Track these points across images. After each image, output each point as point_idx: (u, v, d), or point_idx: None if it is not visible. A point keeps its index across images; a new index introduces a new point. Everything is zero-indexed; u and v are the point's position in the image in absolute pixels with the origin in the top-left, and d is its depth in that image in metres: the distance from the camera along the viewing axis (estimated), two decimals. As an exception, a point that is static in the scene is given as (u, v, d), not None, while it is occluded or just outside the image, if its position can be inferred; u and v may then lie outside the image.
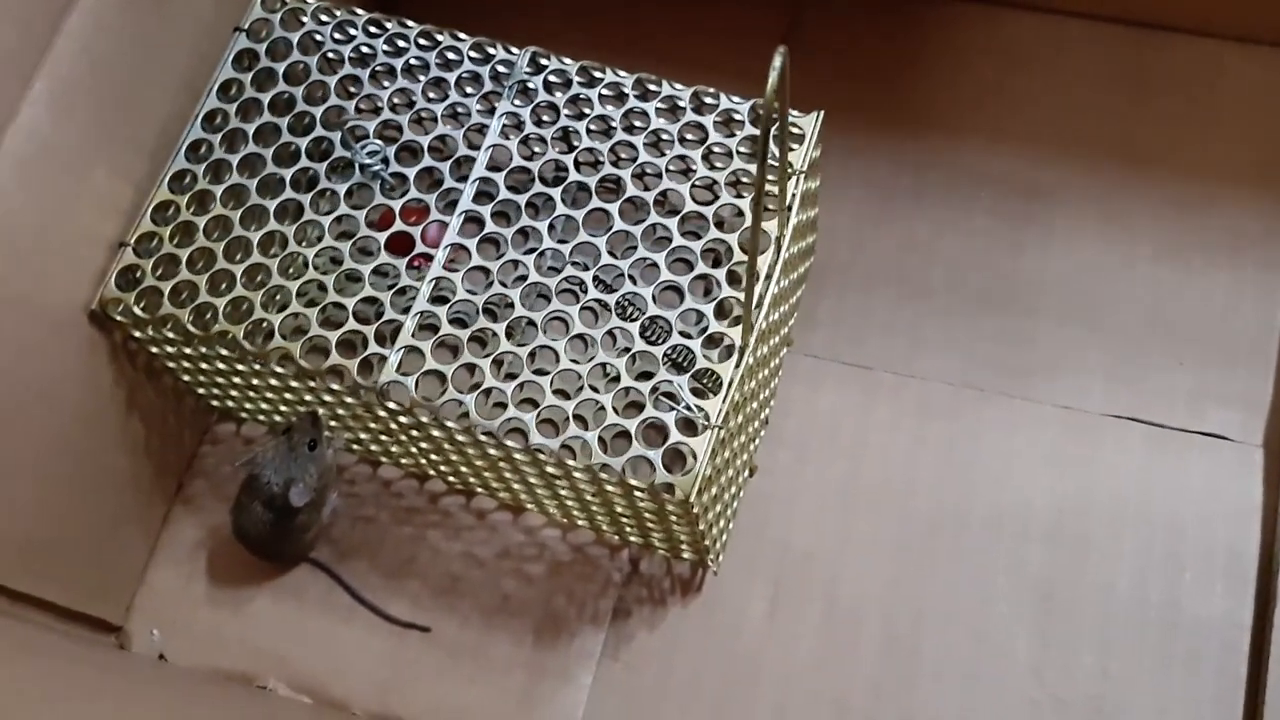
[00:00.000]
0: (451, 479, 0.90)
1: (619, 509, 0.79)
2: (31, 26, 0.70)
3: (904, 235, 0.98)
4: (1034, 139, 0.99)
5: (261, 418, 0.92)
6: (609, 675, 0.87)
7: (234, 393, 0.87)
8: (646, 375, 0.72)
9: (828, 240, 0.96)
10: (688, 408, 0.71)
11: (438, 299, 0.76)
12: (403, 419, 0.76)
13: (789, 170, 0.75)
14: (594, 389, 0.72)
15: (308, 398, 0.81)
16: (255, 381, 0.82)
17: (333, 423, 0.85)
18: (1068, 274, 0.96)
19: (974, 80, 1.02)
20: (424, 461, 0.87)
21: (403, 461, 0.90)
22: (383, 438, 0.84)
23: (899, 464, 0.91)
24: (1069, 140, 0.99)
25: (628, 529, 0.84)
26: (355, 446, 0.90)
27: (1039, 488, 0.89)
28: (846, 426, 0.93)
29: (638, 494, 0.72)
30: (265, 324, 0.76)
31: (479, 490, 0.90)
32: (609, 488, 0.74)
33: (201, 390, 0.90)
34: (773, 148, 0.77)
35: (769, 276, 0.73)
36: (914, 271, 0.97)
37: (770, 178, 0.75)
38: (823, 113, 0.77)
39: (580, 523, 0.88)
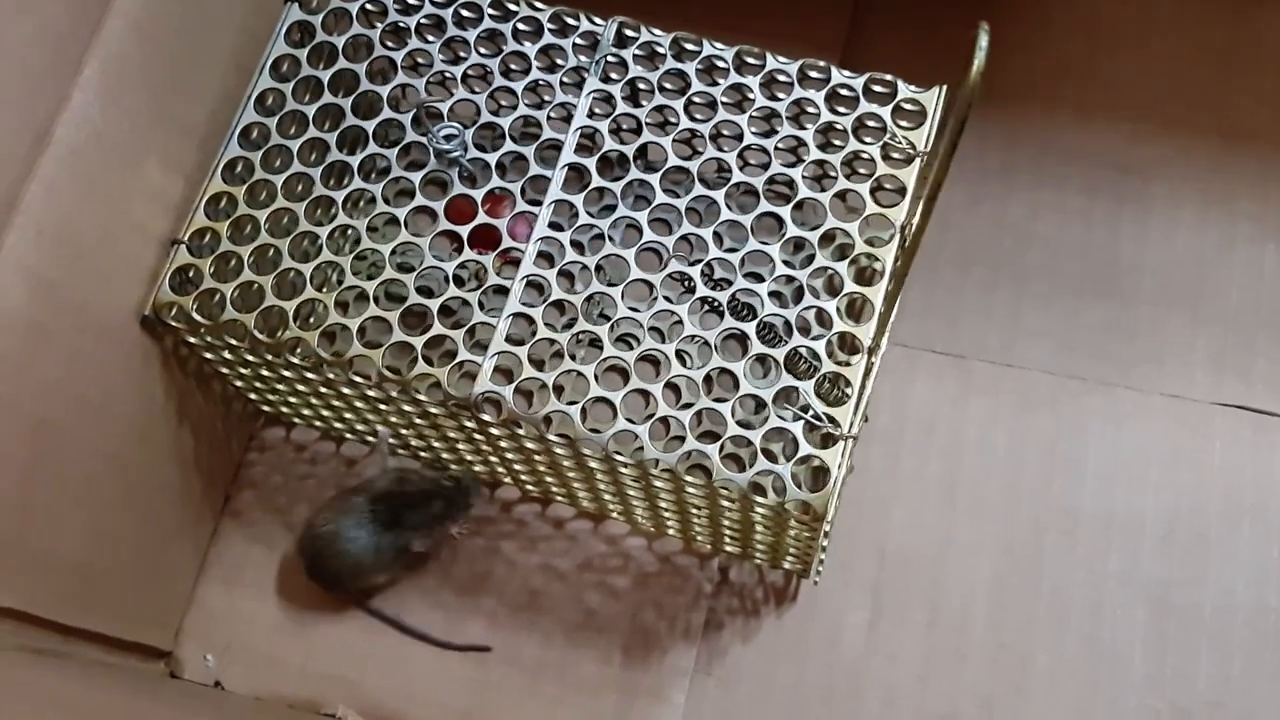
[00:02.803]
0: (529, 486, 0.84)
1: (727, 521, 0.73)
2: (84, 3, 0.62)
3: (995, 215, 0.92)
4: (1126, 115, 0.94)
5: (318, 423, 0.85)
6: (703, 692, 0.81)
7: (292, 399, 0.80)
8: (764, 380, 0.66)
9: (916, 222, 0.90)
10: (817, 417, 0.65)
11: (528, 299, 0.69)
12: (494, 430, 0.69)
13: (912, 152, 0.69)
14: (706, 396, 0.66)
15: (383, 406, 0.74)
16: (323, 389, 0.75)
17: (404, 432, 0.78)
18: (1166, 255, 0.90)
19: (1062, 55, 0.96)
20: (501, 469, 0.81)
21: (475, 468, 0.83)
22: (459, 446, 0.77)
23: (1000, 460, 0.86)
24: (1162, 116, 0.93)
25: (728, 539, 0.78)
26: (422, 454, 0.83)
27: (1149, 483, 0.85)
28: (942, 420, 0.87)
29: (760, 510, 0.66)
30: (337, 328, 0.69)
31: (559, 499, 0.84)
32: (725, 502, 0.68)
33: (253, 395, 0.83)
34: (889, 124, 0.72)
35: (904, 273, 0.67)
36: (1007, 254, 0.91)
37: (889, 162, 0.69)
38: (945, 88, 0.71)
39: (671, 531, 0.82)
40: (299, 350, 0.68)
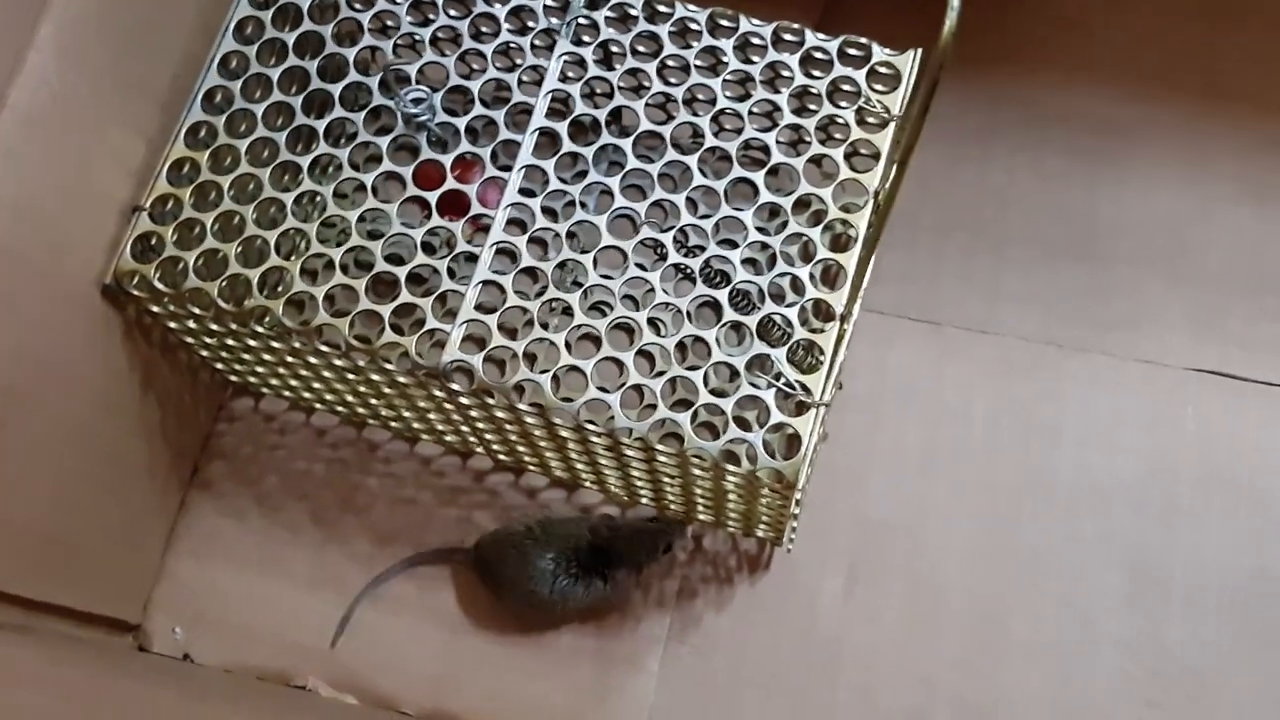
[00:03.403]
0: (501, 456, 0.83)
1: (699, 490, 0.72)
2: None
3: (974, 180, 0.91)
4: (1107, 76, 0.93)
5: (285, 393, 0.84)
6: (677, 661, 0.81)
7: (259, 368, 0.79)
8: (736, 348, 0.65)
9: (893, 187, 0.89)
10: (789, 384, 0.64)
11: (499, 267, 0.68)
12: (464, 400, 0.68)
13: (887, 116, 0.68)
14: (678, 364, 0.65)
15: (349, 375, 0.73)
16: (289, 358, 0.73)
17: (373, 400, 0.77)
18: (1146, 219, 0.90)
19: (1044, 16, 0.95)
20: (472, 439, 0.80)
21: (446, 439, 0.82)
22: (430, 416, 0.77)
23: (976, 426, 0.86)
24: (1146, 75, 0.93)
25: (700, 507, 0.78)
26: (393, 424, 0.82)
27: (1124, 449, 0.85)
28: (919, 387, 0.87)
29: (731, 477, 0.66)
30: (303, 296, 0.68)
31: (531, 468, 0.83)
32: (697, 470, 0.67)
33: (220, 365, 0.81)
34: (864, 88, 0.71)
35: (876, 238, 0.66)
36: (987, 219, 0.90)
37: (864, 126, 0.68)
38: (920, 52, 0.70)
39: (644, 500, 0.81)
40: (265, 319, 0.67)
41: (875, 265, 0.87)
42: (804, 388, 0.64)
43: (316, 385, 0.78)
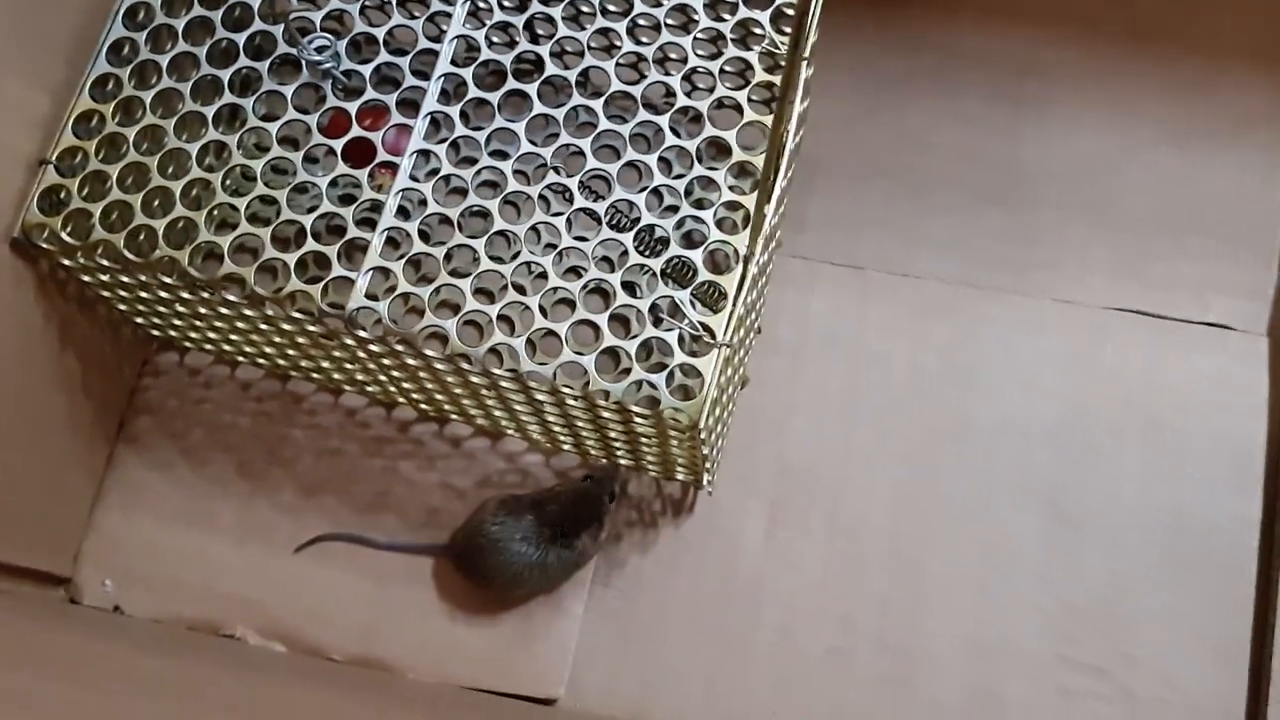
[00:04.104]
0: (424, 406, 0.83)
1: (612, 433, 0.73)
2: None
3: (896, 125, 0.91)
4: (1028, 17, 0.93)
5: (208, 346, 0.84)
6: (602, 603, 0.82)
7: (177, 321, 0.79)
8: (640, 289, 0.66)
9: (814, 133, 0.88)
10: (691, 325, 0.65)
11: (402, 211, 0.68)
12: (373, 347, 0.69)
13: (778, 53, 0.68)
14: (586, 308, 0.65)
15: (262, 325, 0.73)
16: (202, 310, 0.74)
17: (290, 351, 0.78)
18: (1067, 161, 0.90)
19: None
20: (392, 389, 0.80)
21: (368, 389, 0.83)
22: (347, 365, 0.77)
23: (898, 369, 0.86)
24: (1067, 18, 0.93)
25: (619, 452, 0.78)
26: (315, 375, 0.83)
27: (1043, 389, 0.86)
28: (841, 331, 0.87)
29: (638, 420, 0.66)
30: (209, 246, 0.68)
31: (454, 417, 0.84)
32: (605, 413, 0.68)
33: (140, 319, 0.82)
34: (768, 29, 0.71)
35: (775, 175, 0.66)
36: (907, 164, 0.91)
37: (765, 68, 0.69)
38: (823, -8, 0.70)
39: (565, 447, 0.82)
40: (171, 266, 0.67)
41: (799, 211, 0.89)
42: (708, 329, 0.65)
43: (235, 338, 0.79)
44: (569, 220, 0.67)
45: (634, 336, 0.64)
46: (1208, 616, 0.80)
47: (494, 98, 0.69)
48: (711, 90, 0.69)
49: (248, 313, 0.70)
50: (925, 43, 0.93)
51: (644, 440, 0.72)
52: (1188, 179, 0.90)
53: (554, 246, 0.67)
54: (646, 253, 0.66)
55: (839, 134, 0.91)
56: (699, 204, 0.67)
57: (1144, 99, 0.92)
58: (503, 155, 0.68)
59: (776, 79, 0.69)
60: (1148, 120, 0.91)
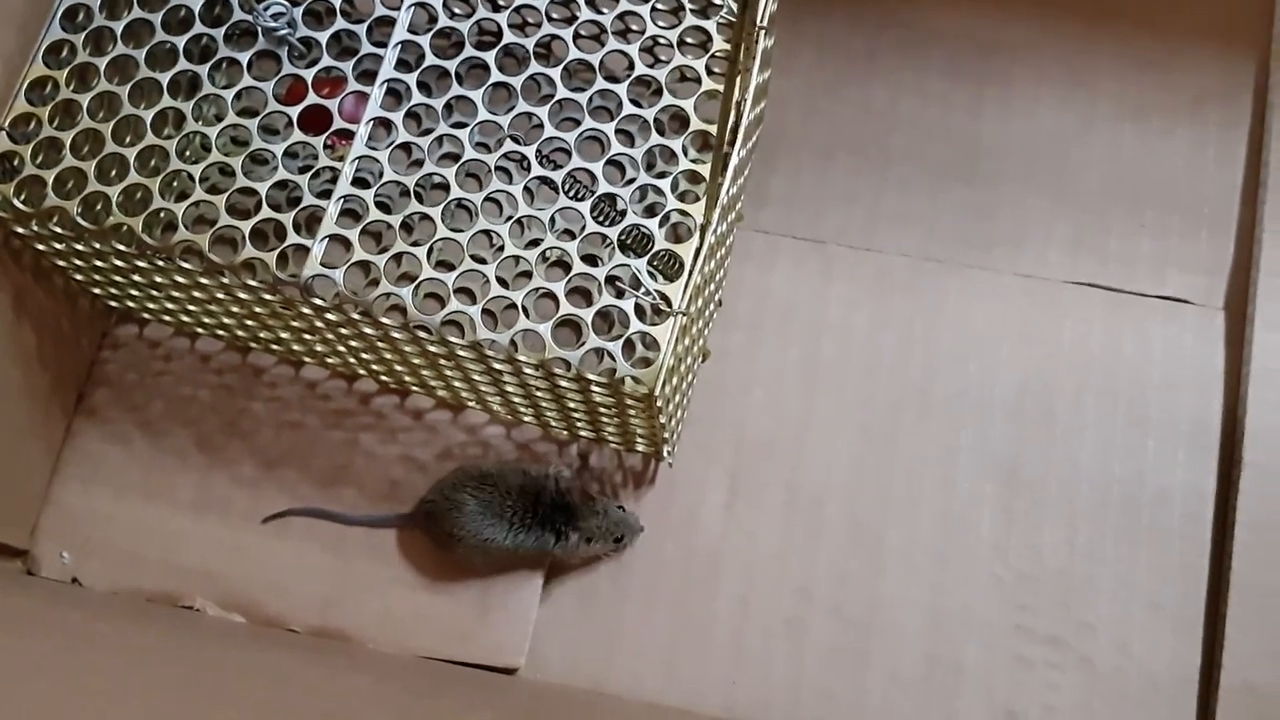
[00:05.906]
0: (384, 378, 0.83)
1: (571, 404, 0.73)
2: None
3: (859, 101, 0.92)
4: (992, -8, 0.94)
5: (167, 318, 0.84)
6: (561, 573, 0.82)
7: (134, 292, 0.78)
8: (599, 259, 0.66)
9: (778, 108, 0.89)
10: (648, 293, 0.65)
11: (360, 181, 0.68)
12: (330, 316, 0.68)
13: (734, 20, 0.68)
14: (542, 276, 0.65)
15: (219, 295, 0.73)
16: (158, 279, 0.73)
17: (249, 322, 0.77)
18: (1028, 137, 0.91)
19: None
20: (353, 360, 0.80)
21: (329, 361, 0.82)
22: (306, 337, 0.77)
23: (858, 342, 0.87)
24: (1027, -7, 0.93)
25: (579, 424, 0.79)
26: (275, 347, 0.82)
27: (1001, 361, 0.86)
28: (802, 305, 0.88)
29: (596, 389, 0.66)
30: (165, 214, 0.67)
31: (415, 389, 0.84)
32: (563, 383, 0.68)
33: (97, 290, 0.81)
34: (730, 2, 0.71)
35: (732, 144, 0.66)
36: (870, 140, 0.91)
37: (725, 38, 0.69)
38: (782, -40, 0.70)
39: (526, 419, 0.82)
40: (125, 234, 0.67)
41: (762, 185, 0.89)
42: (665, 298, 0.65)
43: (193, 308, 0.78)
44: (529, 190, 0.67)
45: (593, 307, 0.64)
46: (1164, 586, 0.81)
47: (452, 66, 0.69)
48: (670, 61, 0.69)
49: (204, 281, 0.70)
50: (889, 19, 0.93)
51: (603, 411, 0.72)
52: (1146, 155, 0.91)
53: (513, 217, 0.67)
54: (606, 223, 0.66)
55: (802, 109, 0.91)
56: (660, 175, 0.67)
57: (1104, 76, 0.92)
58: (462, 126, 0.68)
59: (730, 45, 0.69)
60: (1107, 97, 0.92)
